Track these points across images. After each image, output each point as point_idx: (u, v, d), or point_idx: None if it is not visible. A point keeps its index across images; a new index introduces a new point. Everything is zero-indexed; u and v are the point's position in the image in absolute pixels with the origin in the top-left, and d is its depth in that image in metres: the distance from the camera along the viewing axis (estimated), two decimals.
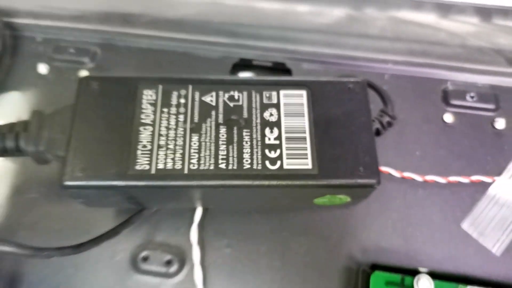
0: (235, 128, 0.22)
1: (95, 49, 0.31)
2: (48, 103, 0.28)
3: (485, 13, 0.33)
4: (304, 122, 0.23)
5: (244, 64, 0.29)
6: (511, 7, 0.33)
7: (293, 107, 0.23)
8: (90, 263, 0.25)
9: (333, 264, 0.25)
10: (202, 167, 0.21)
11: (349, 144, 0.22)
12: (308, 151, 0.22)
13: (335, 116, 0.23)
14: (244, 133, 0.22)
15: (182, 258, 0.25)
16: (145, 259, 0.25)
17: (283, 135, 0.22)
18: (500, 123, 0.28)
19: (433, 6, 0.34)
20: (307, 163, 0.22)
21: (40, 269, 0.25)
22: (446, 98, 0.29)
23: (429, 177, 0.26)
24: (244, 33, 0.32)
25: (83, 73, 0.30)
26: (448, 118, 0.28)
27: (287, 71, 0.29)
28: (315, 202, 0.24)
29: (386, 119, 0.25)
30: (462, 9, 0.34)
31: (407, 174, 0.26)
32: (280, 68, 0.29)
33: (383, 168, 0.26)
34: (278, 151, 0.22)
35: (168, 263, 0.25)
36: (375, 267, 0.23)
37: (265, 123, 0.22)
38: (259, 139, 0.22)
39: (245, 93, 0.23)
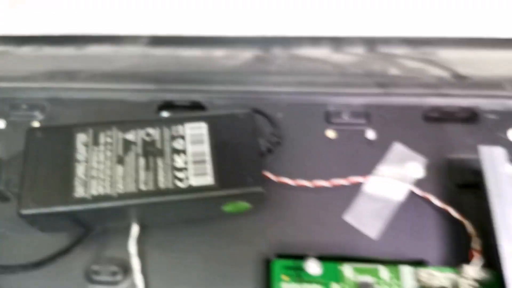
0: (151, 157, 0.29)
1: (44, 104, 0.37)
2: (7, 151, 0.34)
3: (370, 43, 0.41)
4: (204, 148, 0.29)
5: (167, 105, 0.36)
6: (392, 36, 0.42)
7: (196, 137, 0.30)
8: (51, 277, 0.30)
9: (248, 259, 0.30)
10: (127, 190, 0.27)
11: (240, 161, 0.29)
12: (209, 170, 0.29)
13: (229, 140, 0.30)
14: (158, 161, 0.29)
15: (125, 269, 0.31)
16: (95, 272, 0.31)
17: (189, 159, 0.29)
18: (371, 134, 0.35)
19: (328, 41, 0.42)
20: (208, 180, 0.28)
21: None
22: (327, 117, 0.36)
23: (317, 182, 0.33)
24: (169, 79, 0.39)
25: (35, 124, 0.36)
26: (330, 134, 0.35)
27: (202, 108, 0.36)
28: (224, 210, 0.30)
29: (274, 139, 0.32)
30: (351, 41, 0.42)
31: (300, 182, 0.33)
32: (196, 106, 0.36)
33: (281, 179, 0.33)
34: (186, 172, 0.28)
35: (114, 273, 0.31)
36: (277, 256, 0.30)
37: (174, 151, 0.29)
38: (169, 164, 0.29)
39: (158, 129, 0.30)
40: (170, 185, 0.28)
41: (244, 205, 0.30)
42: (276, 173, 0.33)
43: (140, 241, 0.32)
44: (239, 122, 0.30)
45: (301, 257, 0.29)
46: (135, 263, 0.31)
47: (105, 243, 0.32)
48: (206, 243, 0.31)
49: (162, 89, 0.38)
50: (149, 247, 0.32)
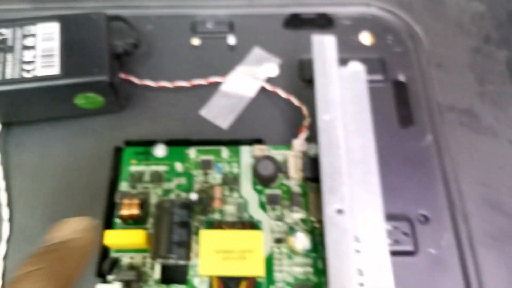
0: (1, 53, 0.30)
1: None
2: None
3: None
4: (54, 45, 0.31)
5: None
6: None
7: (47, 35, 0.31)
8: None
9: (106, 152, 0.32)
10: None
11: (88, 56, 0.31)
12: (56, 63, 0.30)
13: (79, 38, 0.31)
14: (8, 56, 0.30)
15: None
16: None
17: (38, 54, 0.31)
18: (232, 40, 0.37)
19: None
20: (55, 70, 0.30)
21: None
22: (193, 27, 0.38)
23: (178, 83, 0.35)
24: None
25: None
26: (195, 41, 0.37)
27: None
28: (77, 103, 0.32)
29: (131, 41, 0.34)
30: None
31: (161, 83, 0.35)
32: None
33: (144, 81, 0.35)
34: (33, 64, 0.30)
35: None
36: (127, 144, 0.32)
37: (24, 47, 0.31)
38: (18, 58, 0.30)
39: (10, 29, 0.31)
40: (17, 76, 0.30)
41: (95, 97, 0.32)
42: (140, 77, 0.35)
43: (4, 141, 0.33)
44: (91, 21, 0.32)
45: (147, 143, 0.31)
46: None
47: None
48: (67, 140, 0.33)
49: None
50: (12, 146, 0.33)
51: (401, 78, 0.36)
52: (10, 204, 0.31)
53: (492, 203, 0.31)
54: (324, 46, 0.32)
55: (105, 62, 0.31)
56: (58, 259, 0.19)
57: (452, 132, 0.33)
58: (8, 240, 0.30)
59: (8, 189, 0.32)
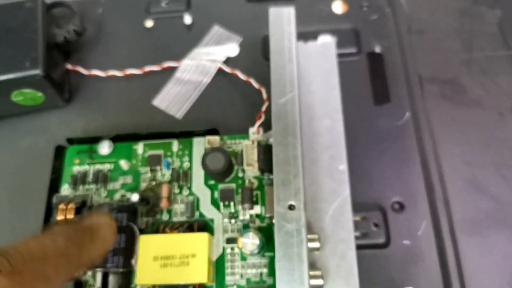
0: None
1: None
2: None
3: None
4: None
5: None
6: None
7: None
8: None
9: (49, 147, 0.29)
10: None
11: (20, 48, 0.28)
12: None
13: (12, 28, 0.29)
14: None
15: None
16: None
17: None
18: (188, 19, 0.34)
19: None
20: None
21: None
22: (147, 8, 0.35)
23: (128, 71, 0.32)
24: None
25: None
26: (148, 23, 0.34)
27: None
28: (16, 100, 0.29)
29: (72, 28, 0.31)
30: None
31: (111, 73, 0.32)
32: None
33: (92, 72, 0.32)
34: None
35: None
36: (70, 141, 0.29)
37: None
38: None
39: None
40: None
41: (33, 93, 0.29)
42: (88, 67, 0.32)
43: None
44: (25, 10, 0.29)
45: (92, 140, 0.29)
46: None
47: None
48: (8, 139, 0.31)
49: None
50: None
51: (377, 49, 0.32)
52: None
53: (477, 185, 0.27)
54: (282, 19, 0.28)
55: (40, 54, 0.28)
56: (82, 238, 0.20)
57: (433, 107, 0.30)
58: None
59: None
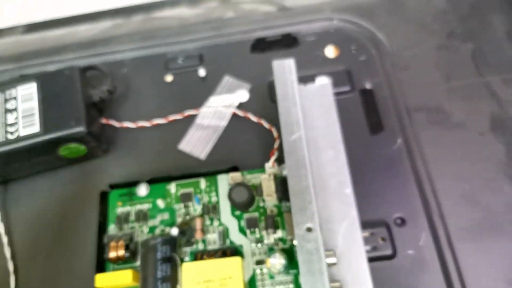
0: None
1: None
2: None
3: None
4: (33, 104, 0.33)
5: None
6: None
7: (26, 96, 0.34)
8: None
9: (93, 193, 0.34)
10: None
11: (65, 110, 0.33)
12: (36, 121, 0.33)
13: (56, 94, 0.34)
14: None
15: None
16: None
17: (20, 116, 0.33)
18: (202, 72, 0.39)
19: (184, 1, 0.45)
20: (36, 129, 0.32)
21: None
22: (166, 65, 0.40)
23: (155, 121, 0.37)
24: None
25: None
26: (168, 78, 0.39)
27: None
28: (63, 154, 0.34)
29: (105, 88, 0.36)
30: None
31: (140, 124, 0.37)
32: None
33: (123, 124, 0.37)
34: (16, 126, 0.32)
35: None
36: (112, 187, 0.34)
37: (7, 111, 0.33)
38: (3, 122, 0.33)
39: None
40: (2, 139, 0.32)
41: (77, 147, 0.34)
42: (120, 120, 0.37)
43: (3, 198, 0.36)
44: (65, 77, 0.34)
45: (131, 184, 0.33)
46: None
47: None
48: (57, 189, 0.35)
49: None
50: (10, 201, 0.36)
51: (368, 86, 0.37)
52: (13, 257, 0.34)
53: (468, 197, 0.32)
54: (284, 69, 0.33)
55: (82, 114, 0.33)
56: None
57: (422, 132, 0.34)
58: None
59: (11, 243, 0.34)
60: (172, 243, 0.29)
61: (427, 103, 0.36)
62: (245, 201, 0.30)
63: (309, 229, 0.27)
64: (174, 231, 0.30)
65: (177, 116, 0.37)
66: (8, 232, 0.35)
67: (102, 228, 0.32)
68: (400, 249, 0.30)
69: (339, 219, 0.31)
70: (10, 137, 0.32)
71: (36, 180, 0.36)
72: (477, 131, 0.34)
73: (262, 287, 0.29)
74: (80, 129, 0.32)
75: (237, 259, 0.28)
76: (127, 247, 0.30)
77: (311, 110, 0.35)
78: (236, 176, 0.32)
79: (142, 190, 0.33)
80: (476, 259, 0.30)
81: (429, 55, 0.38)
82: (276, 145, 0.34)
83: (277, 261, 0.28)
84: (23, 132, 0.32)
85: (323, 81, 0.35)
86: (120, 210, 0.33)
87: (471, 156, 0.33)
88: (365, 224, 0.31)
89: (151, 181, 0.33)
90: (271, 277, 0.29)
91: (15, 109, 0.33)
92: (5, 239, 0.34)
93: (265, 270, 0.29)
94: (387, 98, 0.36)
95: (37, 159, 0.34)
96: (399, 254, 0.30)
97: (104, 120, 0.37)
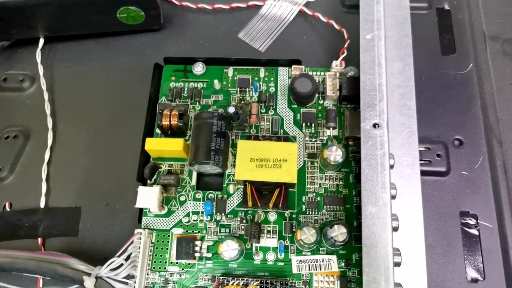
0: None
1: None
2: None
3: None
4: None
5: None
6: None
7: None
8: None
9: (147, 65, 0.32)
10: None
11: None
12: None
13: None
14: None
15: (32, 77, 0.34)
16: (4, 79, 0.34)
17: None
18: None
19: None
20: None
21: None
22: None
23: (217, 5, 0.35)
24: None
25: None
26: None
27: None
28: (120, 17, 0.33)
29: None
30: None
31: (201, 5, 0.35)
32: None
33: (184, 2, 0.35)
34: None
35: (22, 80, 0.34)
36: (166, 61, 0.32)
37: None
38: None
39: None
40: None
41: (136, 11, 0.32)
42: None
43: (47, 56, 0.35)
44: None
45: (190, 62, 0.32)
46: (41, 71, 0.34)
47: (13, 57, 0.35)
48: (108, 57, 0.34)
49: None
50: (56, 61, 0.35)
51: (446, 5, 0.35)
52: (53, 114, 0.33)
53: None
54: None
55: None
56: None
57: (494, 61, 0.33)
58: (52, 148, 0.32)
59: (52, 100, 0.33)
60: (227, 120, 0.29)
61: (504, 33, 0.34)
62: (308, 92, 0.29)
63: (375, 126, 0.26)
64: (231, 109, 0.29)
65: (241, 4, 0.35)
66: (49, 89, 0.34)
67: (153, 98, 0.31)
68: (454, 169, 0.30)
69: (398, 130, 0.30)
70: None
71: (86, 44, 0.35)
72: None
73: (312, 178, 0.28)
74: None
75: (294, 145, 0.27)
76: (180, 116, 0.29)
77: (385, 19, 0.33)
78: (299, 68, 0.31)
79: (199, 68, 0.32)
80: None
81: None
82: (346, 44, 0.32)
83: (334, 153, 0.27)
84: None
85: None
86: (173, 84, 0.32)
87: None
88: (423, 139, 0.30)
89: (208, 62, 0.32)
90: (321, 171, 0.28)
91: None
92: (46, 96, 0.33)
93: (316, 164, 0.29)
94: (465, 21, 0.34)
95: (93, 17, 0.33)
96: (452, 172, 0.29)
97: None
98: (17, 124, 0.33)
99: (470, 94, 0.32)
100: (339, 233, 0.25)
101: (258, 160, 0.27)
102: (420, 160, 0.29)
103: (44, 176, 0.31)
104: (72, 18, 0.32)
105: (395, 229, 0.25)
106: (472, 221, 0.28)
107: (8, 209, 0.30)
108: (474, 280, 0.27)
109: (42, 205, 0.30)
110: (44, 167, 0.31)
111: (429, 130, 0.31)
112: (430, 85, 0.32)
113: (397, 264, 0.25)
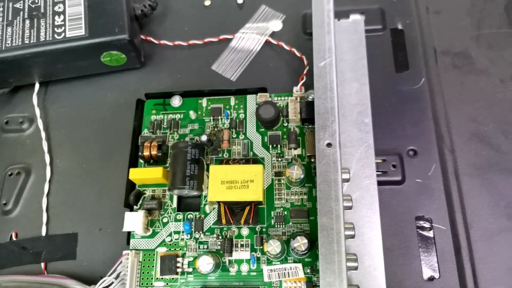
0: (35, 19, 0.35)
1: None
2: None
3: None
4: (81, 9, 0.35)
5: None
6: None
7: (73, 1, 0.36)
8: None
9: (130, 103, 0.36)
10: (13, 44, 0.34)
11: (109, 18, 0.35)
12: (83, 25, 0.35)
13: (102, 1, 0.36)
14: (41, 21, 0.35)
15: (30, 118, 0.38)
16: (6, 122, 0.38)
17: (67, 18, 0.35)
18: None
19: None
20: (82, 32, 0.34)
21: None
22: None
23: (192, 42, 0.39)
24: None
25: None
26: (206, 2, 0.41)
27: None
28: (104, 61, 0.36)
29: (148, 2, 0.38)
30: None
31: (177, 42, 0.39)
32: None
33: (162, 41, 0.39)
34: (63, 27, 0.35)
35: (21, 122, 0.38)
36: (147, 96, 0.36)
37: (55, 14, 0.35)
38: (50, 23, 0.35)
39: None
40: (50, 38, 0.34)
41: (118, 55, 0.36)
42: (158, 38, 0.39)
43: (43, 99, 0.39)
44: None
45: (168, 96, 0.36)
46: (37, 113, 0.37)
47: (13, 102, 0.39)
48: (96, 95, 0.38)
49: None
50: (50, 102, 0.39)
51: (399, 26, 0.38)
52: (50, 151, 0.37)
53: (480, 137, 0.33)
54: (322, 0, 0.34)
55: (125, 23, 0.35)
56: None
57: (445, 74, 0.36)
58: (50, 181, 0.36)
59: (48, 139, 0.37)
60: (201, 147, 0.32)
61: (454, 47, 0.37)
62: (271, 117, 0.32)
63: (329, 145, 0.30)
64: (204, 138, 0.32)
65: (213, 39, 0.39)
66: (46, 128, 0.37)
67: (136, 131, 0.35)
68: (409, 177, 0.32)
69: (356, 145, 0.33)
70: (57, 37, 0.34)
71: (76, 85, 0.39)
72: (499, 77, 0.35)
73: (279, 195, 0.32)
74: (123, 36, 0.35)
75: (259, 166, 0.30)
76: (159, 147, 0.32)
77: (341, 44, 0.36)
78: (264, 95, 0.34)
79: (176, 101, 0.35)
80: (479, 193, 0.32)
81: (463, 1, 0.38)
82: (305, 71, 0.35)
83: (295, 171, 0.30)
84: (69, 34, 0.34)
85: (356, 18, 0.37)
86: (154, 117, 0.35)
87: (489, 100, 0.35)
88: (380, 152, 0.33)
89: (184, 95, 0.36)
90: (287, 187, 0.32)
91: (63, 12, 0.35)
92: (43, 135, 0.37)
93: (282, 181, 0.32)
94: (417, 38, 0.37)
95: (80, 63, 0.36)
96: (408, 181, 0.32)
97: (143, 36, 0.39)
98: (19, 162, 0.37)
99: (423, 107, 0.35)
100: (301, 243, 0.28)
101: (228, 182, 0.30)
102: (377, 171, 0.32)
103: (44, 207, 0.35)
104: (62, 65, 0.36)
105: (351, 236, 0.28)
106: (427, 225, 0.31)
107: (14, 238, 0.34)
108: (431, 279, 0.30)
109: (43, 233, 0.34)
110: (44, 199, 0.35)
111: (386, 143, 0.34)
112: (385, 101, 0.35)
113: (353, 268, 0.28)
